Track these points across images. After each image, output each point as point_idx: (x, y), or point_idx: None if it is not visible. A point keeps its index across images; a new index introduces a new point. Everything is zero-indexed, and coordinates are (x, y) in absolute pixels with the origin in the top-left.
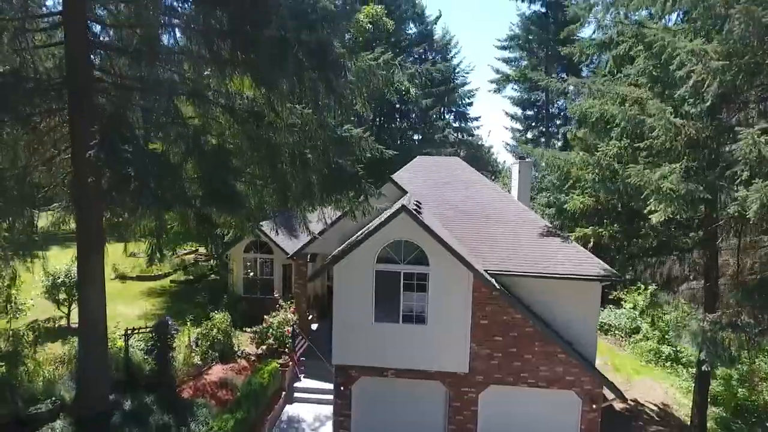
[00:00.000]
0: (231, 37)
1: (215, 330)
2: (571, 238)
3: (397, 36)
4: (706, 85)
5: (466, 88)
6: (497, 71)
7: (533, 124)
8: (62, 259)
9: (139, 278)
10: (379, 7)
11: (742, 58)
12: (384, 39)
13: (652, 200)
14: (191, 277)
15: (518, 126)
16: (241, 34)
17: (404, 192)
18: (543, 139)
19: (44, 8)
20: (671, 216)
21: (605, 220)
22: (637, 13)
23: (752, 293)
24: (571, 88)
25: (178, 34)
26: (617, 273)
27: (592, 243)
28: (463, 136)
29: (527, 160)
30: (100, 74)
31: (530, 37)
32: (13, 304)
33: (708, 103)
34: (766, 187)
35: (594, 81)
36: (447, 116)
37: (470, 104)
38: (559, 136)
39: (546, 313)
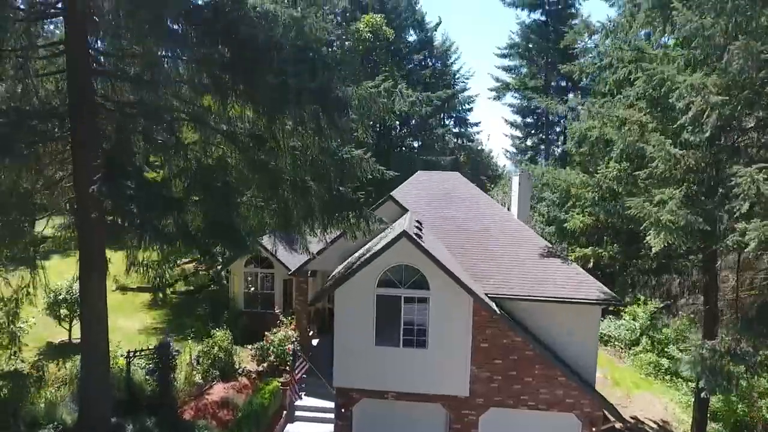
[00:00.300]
0: (233, 72)
1: (216, 348)
2: (570, 258)
3: (397, 44)
4: (705, 116)
5: (466, 93)
6: (497, 79)
7: (533, 131)
8: (62, 268)
9: (140, 289)
10: (379, 16)
11: (741, 91)
12: (384, 47)
13: (651, 231)
14: (192, 288)
15: (518, 133)
16: (243, 73)
17: (405, 210)
18: (542, 146)
19: (46, 32)
20: (670, 244)
21: (605, 238)
22: (636, 38)
23: (751, 323)
24: (572, 112)
25: (179, 64)
26: (616, 296)
27: (591, 263)
28: (463, 142)
29: (527, 172)
30: (101, 100)
31: (530, 46)
32: (15, 327)
33: (707, 134)
34: (765, 226)
35: (594, 103)
36: (447, 121)
37: (470, 110)
38: (559, 144)
39: (545, 335)
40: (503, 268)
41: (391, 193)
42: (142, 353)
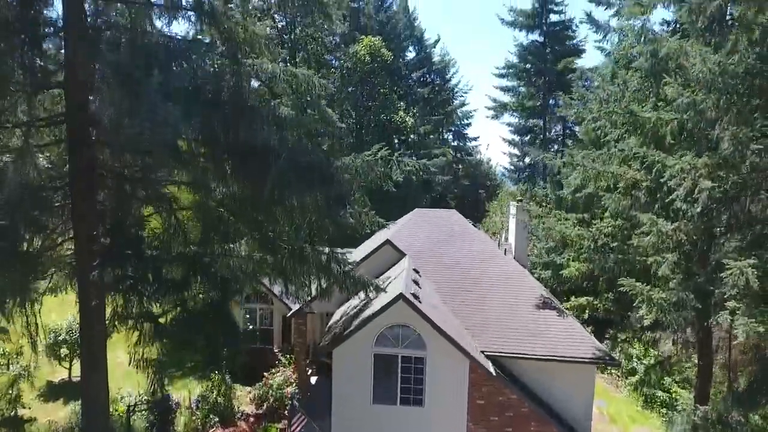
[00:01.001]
0: (231, 155)
1: (215, 392)
2: (566, 309)
3: (396, 63)
4: (696, 192)
5: (465, 108)
6: (494, 100)
7: (531, 150)
8: (62, 298)
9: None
10: (378, 38)
11: (731, 170)
12: (383, 68)
13: (644, 308)
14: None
15: (516, 151)
16: (240, 162)
17: (402, 254)
18: (541, 165)
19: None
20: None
21: (600, 282)
22: (630, 103)
23: (742, 399)
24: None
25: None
26: (612, 356)
27: (587, 314)
28: (461, 155)
29: (524, 203)
30: (101, 170)
31: (528, 66)
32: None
33: (699, 209)
34: (752, 322)
35: (589, 156)
36: (446, 135)
37: (468, 124)
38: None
39: (541, 390)
40: (499, 322)
41: (388, 238)
42: (143, 406)
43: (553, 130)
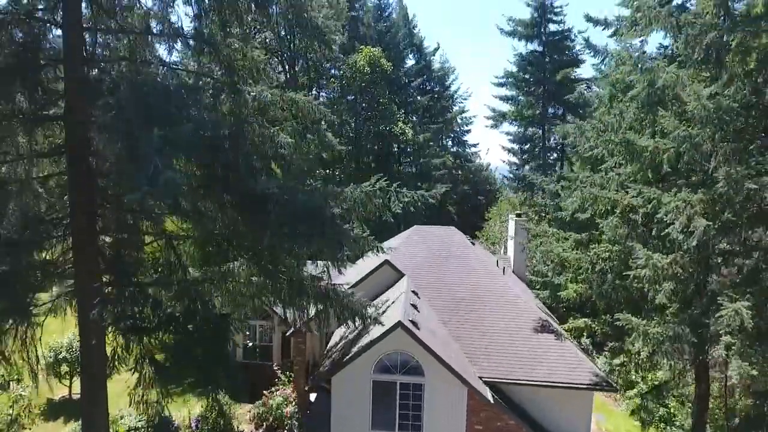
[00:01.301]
0: (231, 195)
1: (215, 413)
2: (564, 330)
3: (395, 73)
4: (691, 227)
5: (464, 115)
6: (493, 110)
7: (530, 158)
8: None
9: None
10: (377, 49)
11: (725, 205)
12: (382, 78)
13: (639, 341)
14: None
15: (515, 160)
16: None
17: (401, 274)
18: (540, 172)
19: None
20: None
21: (599, 303)
22: (627, 131)
23: None
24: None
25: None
26: (609, 381)
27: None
28: (461, 161)
29: (523, 218)
30: (101, 201)
31: (527, 76)
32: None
33: (694, 243)
34: (745, 364)
35: (586, 181)
36: (446, 141)
37: (468, 131)
38: (557, 169)
39: (539, 416)
40: (498, 346)
41: (387, 258)
42: (143, 429)
43: (552, 139)
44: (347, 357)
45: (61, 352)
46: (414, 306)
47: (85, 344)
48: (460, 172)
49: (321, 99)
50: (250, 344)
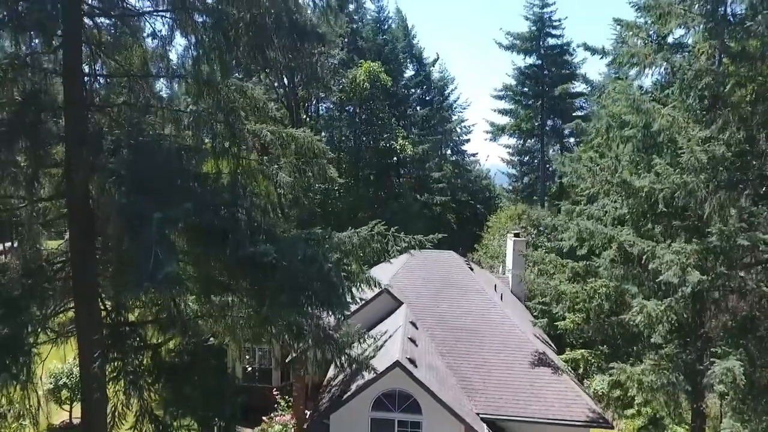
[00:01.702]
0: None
1: None
2: (561, 366)
3: (395, 86)
4: (686, 279)
5: (464, 124)
6: (492, 124)
7: (528, 170)
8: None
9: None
10: (377, 63)
11: (718, 255)
12: (382, 93)
13: (634, 389)
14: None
15: (514, 171)
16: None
17: (399, 302)
18: (538, 185)
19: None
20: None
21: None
22: (624, 171)
23: None
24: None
25: None
26: (605, 418)
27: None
28: (460, 171)
29: (522, 239)
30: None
31: (525, 90)
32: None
33: (689, 290)
34: (737, 424)
35: (583, 214)
36: (445, 150)
37: (468, 140)
38: (555, 180)
39: None
40: (495, 380)
41: (385, 286)
42: None
43: (552, 151)
44: (346, 395)
45: (61, 378)
46: (412, 340)
47: (89, 396)
48: (459, 181)
49: (321, 107)
50: (249, 369)
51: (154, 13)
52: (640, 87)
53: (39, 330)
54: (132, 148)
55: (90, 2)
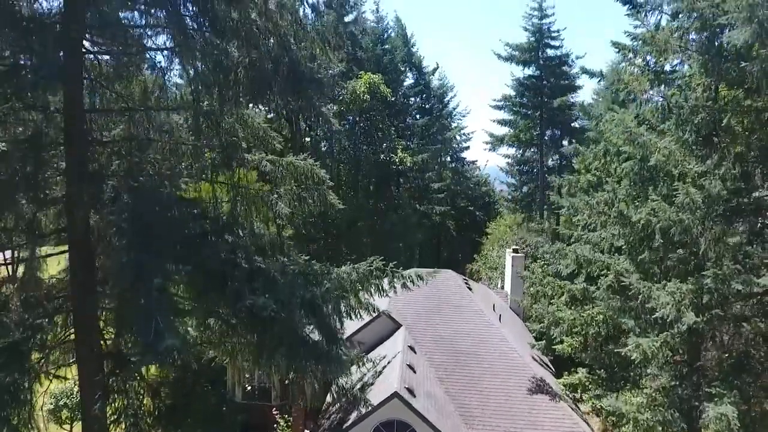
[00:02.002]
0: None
1: None
2: (560, 391)
3: (395, 96)
4: (681, 314)
5: (464, 132)
6: (491, 135)
7: (527, 180)
8: None
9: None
10: (377, 75)
11: (713, 296)
12: (381, 104)
13: (630, 427)
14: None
15: (513, 181)
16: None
17: (398, 324)
18: (537, 194)
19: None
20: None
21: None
22: (620, 203)
23: None
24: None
25: None
26: None
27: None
28: (459, 178)
29: (520, 254)
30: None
31: (524, 100)
32: None
33: (684, 328)
34: None
35: (581, 242)
36: (444, 158)
37: (467, 147)
38: (554, 189)
39: None
40: (493, 407)
41: (384, 309)
42: None
43: (551, 160)
44: (345, 425)
45: (62, 399)
46: (411, 367)
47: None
48: (458, 188)
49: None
50: (249, 387)
51: (155, 50)
52: (636, 116)
53: (41, 374)
54: (132, 193)
55: (91, 38)
